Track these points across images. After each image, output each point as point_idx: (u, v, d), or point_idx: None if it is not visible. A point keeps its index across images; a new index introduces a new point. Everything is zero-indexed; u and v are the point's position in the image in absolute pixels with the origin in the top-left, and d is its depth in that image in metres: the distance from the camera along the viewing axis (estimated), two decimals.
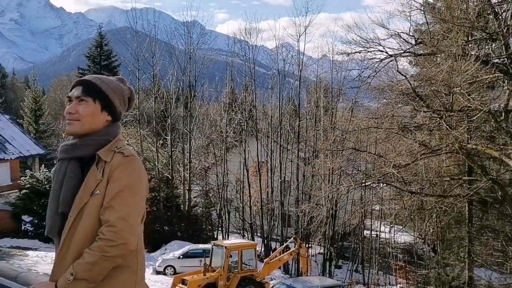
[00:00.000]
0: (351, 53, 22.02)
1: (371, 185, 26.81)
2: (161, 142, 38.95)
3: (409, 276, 29.07)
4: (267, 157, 37.71)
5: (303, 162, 37.25)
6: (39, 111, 57.02)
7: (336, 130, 31.67)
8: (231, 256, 20.88)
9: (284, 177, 37.47)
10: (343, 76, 37.57)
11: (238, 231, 39.59)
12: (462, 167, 25.29)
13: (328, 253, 34.87)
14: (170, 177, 37.32)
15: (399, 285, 31.07)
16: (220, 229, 39.46)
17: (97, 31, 54.82)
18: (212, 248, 22.46)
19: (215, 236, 37.87)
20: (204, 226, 39.85)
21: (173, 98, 37.80)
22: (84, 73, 55.41)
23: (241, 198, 39.72)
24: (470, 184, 23.72)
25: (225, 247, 21.10)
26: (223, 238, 37.08)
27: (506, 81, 19.82)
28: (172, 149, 37.63)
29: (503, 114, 19.97)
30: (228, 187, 39.94)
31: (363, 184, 25.84)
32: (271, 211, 37.63)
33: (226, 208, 39.48)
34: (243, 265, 21.13)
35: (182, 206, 38.21)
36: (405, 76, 19.42)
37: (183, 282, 20.12)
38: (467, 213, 27.20)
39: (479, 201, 26.45)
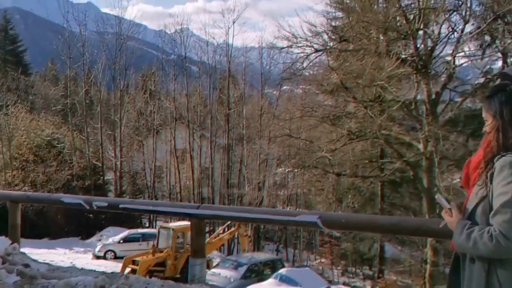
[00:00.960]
0: (283, 48, 23.40)
1: (304, 168, 28.59)
2: (88, 130, 38.87)
3: (333, 250, 31.20)
4: (191, 143, 38.53)
5: (230, 149, 38.61)
6: None
7: (274, 118, 33.53)
8: (178, 237, 21.91)
9: (210, 163, 38.55)
10: (271, 67, 39.81)
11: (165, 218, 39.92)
12: (375, 152, 27.68)
13: (253, 236, 36.25)
14: (99, 165, 37.48)
15: (319, 260, 33.29)
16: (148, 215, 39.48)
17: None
18: (158, 231, 23.42)
19: (143, 223, 38.44)
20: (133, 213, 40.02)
21: (102, 86, 37.87)
22: None
23: (168, 184, 40.46)
24: (381, 167, 26.24)
25: (172, 229, 22.09)
26: (150, 224, 37.85)
27: (416, 75, 21.93)
28: (102, 137, 37.72)
29: (413, 103, 22.26)
30: (155, 174, 40.43)
31: (300, 168, 27.75)
32: (199, 195, 38.58)
33: (153, 194, 39.95)
34: (187, 245, 22.16)
35: (111, 193, 38.43)
36: (335, 70, 21.10)
37: (134, 262, 20.94)
38: (379, 192, 29.77)
39: (389, 182, 29.01)
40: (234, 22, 39.82)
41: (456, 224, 2.27)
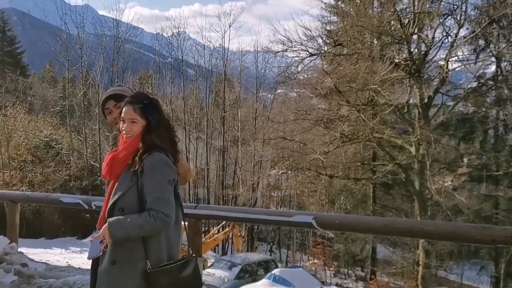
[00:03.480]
0: (278, 51, 23.38)
1: (297, 170, 28.66)
2: (86, 131, 38.76)
3: (326, 251, 31.20)
4: (187, 145, 38.57)
5: (225, 150, 38.64)
6: None
7: (268, 121, 33.70)
8: None
9: (205, 164, 38.54)
10: (266, 70, 40.06)
11: None
12: (367, 155, 27.72)
13: (247, 236, 36.38)
14: (97, 166, 37.32)
15: (312, 261, 33.28)
16: None
17: None
18: None
19: None
20: None
21: (100, 88, 37.74)
22: None
23: None
24: (374, 169, 26.30)
25: None
26: None
27: (409, 79, 21.96)
28: (100, 138, 37.62)
29: (405, 107, 22.28)
30: None
31: (293, 169, 27.77)
32: (195, 196, 38.60)
33: None
34: (182, 245, 22.09)
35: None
36: (329, 74, 21.10)
37: None
38: (371, 194, 29.82)
39: (381, 184, 29.09)
40: (230, 26, 39.79)
41: (108, 228, 2.66)
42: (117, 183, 2.83)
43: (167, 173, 2.71)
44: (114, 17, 39.90)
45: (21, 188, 29.27)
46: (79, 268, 6.97)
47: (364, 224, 5.17)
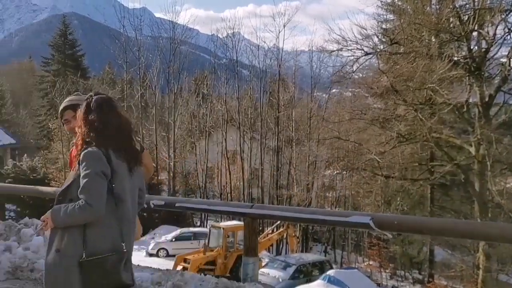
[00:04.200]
0: (333, 51, 23.16)
1: (353, 170, 28.35)
2: (143, 132, 39.63)
3: (382, 252, 30.73)
4: (242, 145, 38.81)
5: (279, 150, 38.64)
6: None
7: (323, 121, 33.54)
8: (228, 236, 22.03)
9: (260, 164, 38.67)
10: (320, 70, 39.96)
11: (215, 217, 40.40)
12: (425, 155, 27.07)
13: (301, 236, 36.24)
14: (154, 166, 38.07)
15: (367, 262, 32.83)
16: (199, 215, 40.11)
17: (44, 17, 55.05)
18: (209, 230, 23.60)
19: (194, 222, 38.89)
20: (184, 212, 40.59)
21: (157, 89, 38.60)
22: (48, 62, 55.23)
23: (219, 184, 40.85)
24: (431, 169, 25.65)
25: (223, 228, 22.24)
26: (201, 223, 38.25)
27: (468, 78, 21.25)
28: (157, 138, 38.42)
29: (465, 106, 21.59)
30: (206, 174, 40.93)
31: (348, 170, 27.52)
32: (249, 196, 38.78)
33: (205, 194, 40.38)
34: (237, 244, 22.27)
35: (164, 193, 39.06)
36: (385, 73, 20.72)
37: (185, 261, 21.17)
38: (429, 195, 29.12)
39: (439, 185, 28.34)
40: (284, 26, 39.78)
41: (50, 214, 2.86)
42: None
43: (96, 165, 2.83)
44: (170, 19, 40.71)
45: None
46: (138, 265, 7.13)
47: (424, 225, 5.03)
